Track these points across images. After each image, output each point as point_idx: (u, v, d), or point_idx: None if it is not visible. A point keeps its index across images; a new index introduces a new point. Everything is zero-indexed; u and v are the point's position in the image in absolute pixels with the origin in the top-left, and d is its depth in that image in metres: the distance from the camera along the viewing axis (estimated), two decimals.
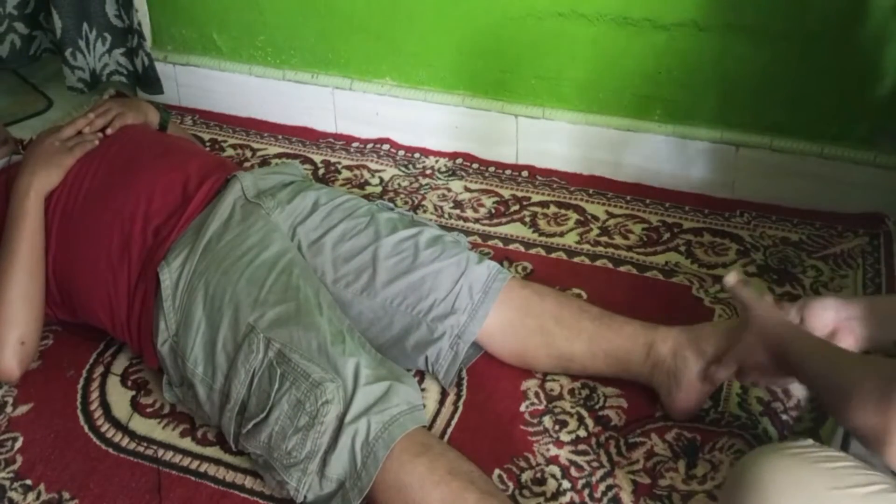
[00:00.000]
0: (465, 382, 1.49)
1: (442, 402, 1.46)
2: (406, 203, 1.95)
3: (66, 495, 1.34)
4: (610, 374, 1.44)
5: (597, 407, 1.44)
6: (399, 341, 1.46)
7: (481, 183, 2.01)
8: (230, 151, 2.19)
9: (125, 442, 1.43)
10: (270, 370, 1.26)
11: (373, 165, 2.09)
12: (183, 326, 1.37)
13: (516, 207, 1.92)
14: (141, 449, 1.41)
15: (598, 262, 1.76)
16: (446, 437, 1.40)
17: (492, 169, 2.06)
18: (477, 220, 1.89)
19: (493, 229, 1.87)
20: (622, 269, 1.74)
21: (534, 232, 1.85)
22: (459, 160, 2.09)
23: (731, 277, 1.28)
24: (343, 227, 1.51)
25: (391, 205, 1.65)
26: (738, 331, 1.27)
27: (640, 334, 1.39)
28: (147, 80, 2.22)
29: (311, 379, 1.23)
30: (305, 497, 1.24)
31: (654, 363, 1.37)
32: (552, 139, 2.01)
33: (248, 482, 1.35)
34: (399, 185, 2.01)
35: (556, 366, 1.47)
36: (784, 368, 1.16)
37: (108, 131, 1.63)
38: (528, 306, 1.45)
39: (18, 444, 1.43)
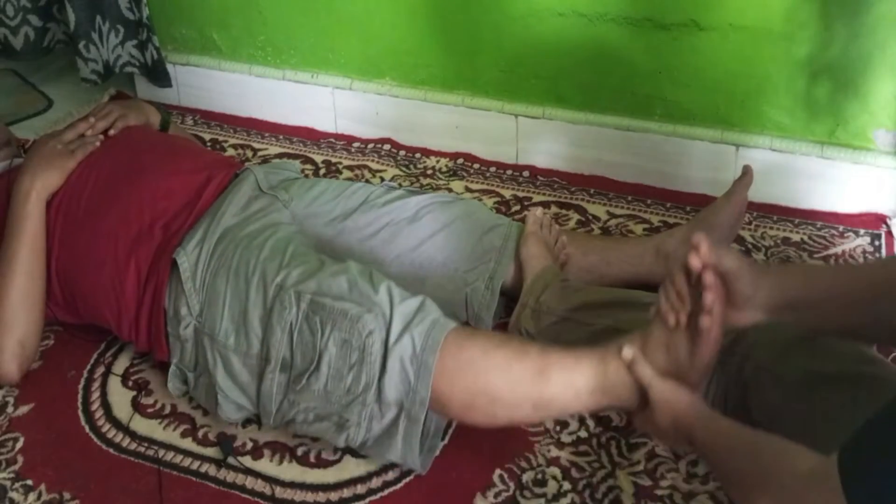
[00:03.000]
0: None
1: None
2: None
3: (67, 496, 1.34)
4: (626, 279, 1.57)
5: None
6: (433, 295, 1.51)
7: (482, 183, 2.01)
8: (231, 151, 2.19)
9: (126, 442, 1.43)
10: (308, 321, 1.27)
11: (374, 165, 2.09)
12: (208, 304, 1.37)
13: (517, 208, 1.92)
14: (142, 449, 1.41)
15: None
16: (447, 436, 1.40)
17: (493, 169, 2.06)
18: None
19: None
20: None
21: None
22: (461, 160, 2.09)
23: (627, 352, 1.14)
24: (361, 208, 1.60)
25: (395, 184, 1.73)
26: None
27: (646, 239, 1.64)
28: (156, 73, 2.26)
29: (350, 316, 1.25)
30: (369, 429, 1.25)
31: (666, 256, 1.55)
32: (552, 139, 2.01)
33: (249, 483, 1.35)
34: (400, 185, 2.01)
35: (576, 279, 1.57)
36: (690, 447, 1.11)
37: (111, 132, 1.63)
38: (549, 241, 1.60)
39: (19, 445, 1.43)
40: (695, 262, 1.08)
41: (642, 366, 1.14)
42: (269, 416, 1.33)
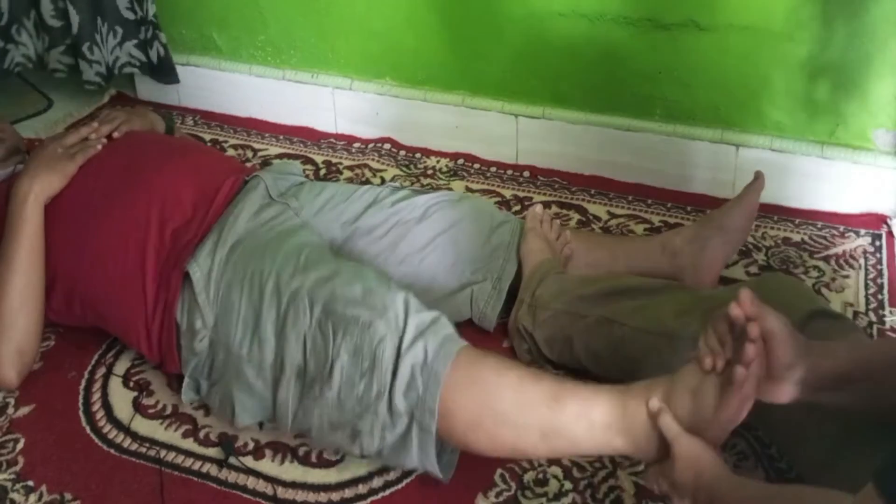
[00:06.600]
0: None
1: None
2: None
3: (68, 496, 1.34)
4: (631, 275, 1.56)
5: None
6: (440, 297, 1.53)
7: (483, 183, 2.02)
8: (231, 152, 2.19)
9: (127, 443, 1.43)
10: (321, 327, 1.25)
11: (374, 165, 2.09)
12: (222, 316, 1.35)
13: (518, 208, 1.92)
14: (143, 450, 1.41)
15: None
16: None
17: (493, 169, 2.06)
18: None
19: None
20: None
21: None
22: (461, 160, 2.09)
23: (654, 403, 1.10)
24: (370, 210, 1.60)
25: (398, 185, 1.74)
26: None
27: (653, 237, 1.66)
28: (162, 70, 2.26)
29: (361, 322, 1.22)
30: (383, 437, 1.22)
31: (673, 253, 1.57)
32: (552, 139, 2.01)
33: (251, 483, 1.35)
34: (402, 185, 2.01)
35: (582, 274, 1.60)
36: None
37: (115, 135, 1.61)
38: (550, 237, 1.62)
39: (20, 446, 1.43)
40: (736, 312, 1.04)
41: (668, 418, 1.09)
42: (286, 426, 1.32)
